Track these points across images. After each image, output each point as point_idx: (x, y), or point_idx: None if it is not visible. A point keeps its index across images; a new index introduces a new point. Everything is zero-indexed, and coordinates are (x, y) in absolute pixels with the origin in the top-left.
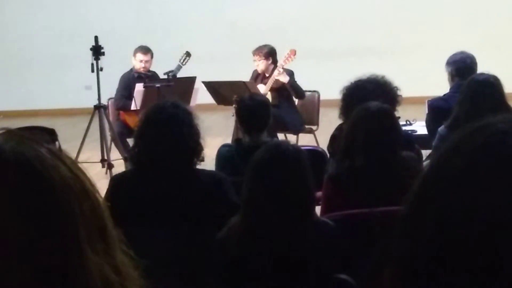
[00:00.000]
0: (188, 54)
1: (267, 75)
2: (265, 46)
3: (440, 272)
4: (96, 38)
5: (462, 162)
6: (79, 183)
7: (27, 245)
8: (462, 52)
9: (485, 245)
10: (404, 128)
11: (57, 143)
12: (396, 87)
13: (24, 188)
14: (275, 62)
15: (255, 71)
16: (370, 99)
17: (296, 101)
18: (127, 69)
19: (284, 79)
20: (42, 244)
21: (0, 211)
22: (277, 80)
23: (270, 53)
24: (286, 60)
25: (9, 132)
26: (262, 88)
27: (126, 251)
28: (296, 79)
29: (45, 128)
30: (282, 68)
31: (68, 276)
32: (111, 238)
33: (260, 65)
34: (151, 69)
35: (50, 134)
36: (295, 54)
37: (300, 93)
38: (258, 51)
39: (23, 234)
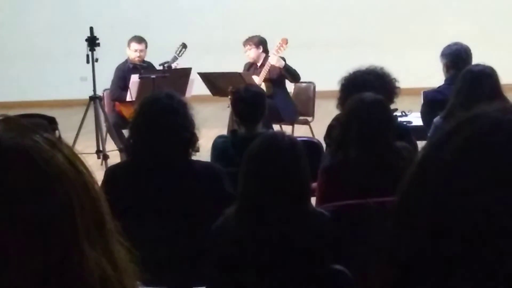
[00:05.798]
0: (184, 46)
1: (258, 64)
2: (255, 36)
3: (433, 262)
4: (91, 29)
5: (454, 151)
6: (78, 175)
7: (23, 238)
8: (456, 44)
9: (478, 235)
10: (399, 119)
11: (57, 132)
12: (394, 78)
13: (21, 180)
14: (266, 51)
15: (247, 63)
16: (368, 90)
17: (291, 91)
18: (123, 60)
19: (280, 63)
20: (40, 238)
21: None
22: (271, 69)
23: (260, 42)
24: (278, 50)
25: (7, 119)
26: (256, 79)
27: (123, 244)
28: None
29: (45, 116)
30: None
31: (65, 272)
32: (109, 232)
33: (251, 53)
34: (146, 59)
35: (50, 122)
36: (286, 43)
37: (295, 76)
38: (248, 40)
39: (19, 227)
